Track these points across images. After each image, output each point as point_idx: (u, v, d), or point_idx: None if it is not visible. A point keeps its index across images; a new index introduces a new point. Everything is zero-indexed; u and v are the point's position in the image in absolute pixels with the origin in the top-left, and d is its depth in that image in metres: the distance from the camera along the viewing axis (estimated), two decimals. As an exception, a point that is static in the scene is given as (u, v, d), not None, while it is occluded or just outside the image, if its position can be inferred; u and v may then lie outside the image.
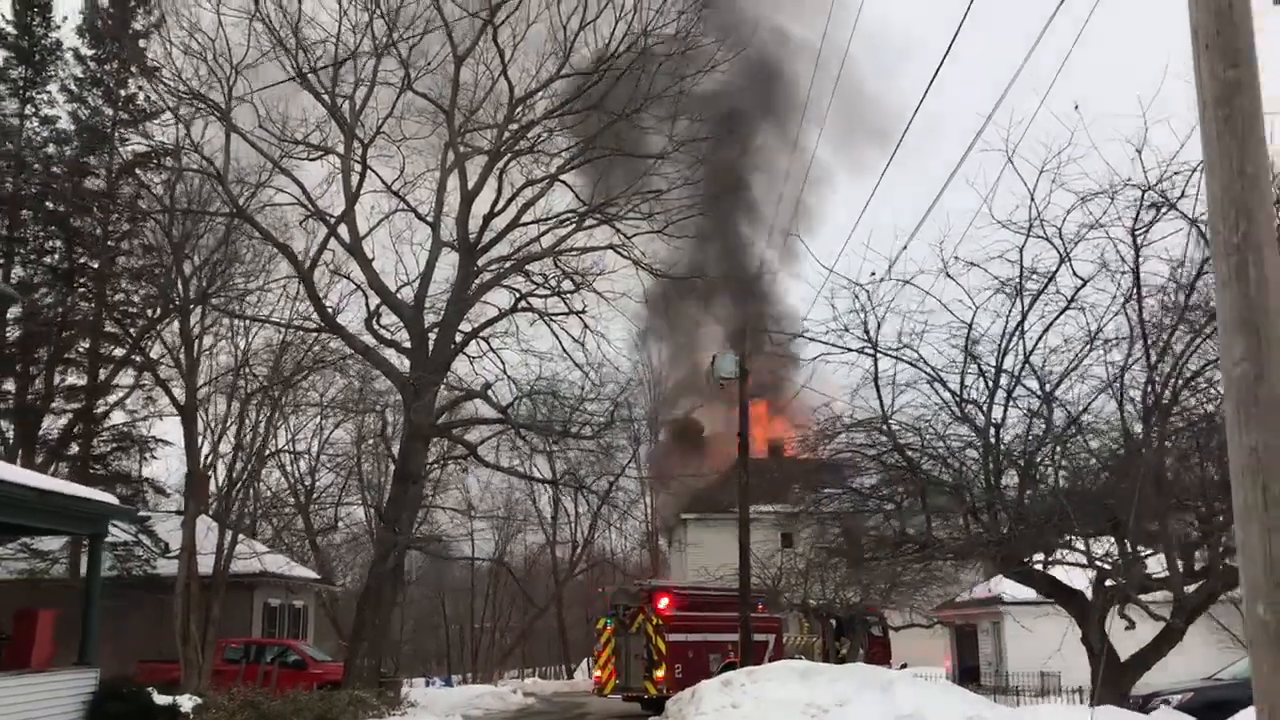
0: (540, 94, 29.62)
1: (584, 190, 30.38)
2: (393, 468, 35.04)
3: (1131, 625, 14.02)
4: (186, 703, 17.96)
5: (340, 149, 28.81)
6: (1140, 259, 13.57)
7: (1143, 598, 13.93)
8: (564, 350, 29.82)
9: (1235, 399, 5.09)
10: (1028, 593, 20.93)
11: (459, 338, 29.87)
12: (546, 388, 30.28)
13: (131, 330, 29.75)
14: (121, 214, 30.24)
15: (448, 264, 30.58)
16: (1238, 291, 5.13)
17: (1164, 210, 13.08)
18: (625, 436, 37.77)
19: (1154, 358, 13.77)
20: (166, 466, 49.86)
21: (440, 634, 58.06)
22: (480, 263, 30.02)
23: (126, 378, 31.12)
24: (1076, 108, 12.45)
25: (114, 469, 31.63)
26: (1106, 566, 14.26)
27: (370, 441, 42.51)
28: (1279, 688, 4.81)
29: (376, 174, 29.61)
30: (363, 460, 44.40)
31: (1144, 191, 13.08)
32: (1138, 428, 14.04)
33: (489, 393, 29.74)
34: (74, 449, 30.27)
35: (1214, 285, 5.51)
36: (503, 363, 30.28)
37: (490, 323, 30.44)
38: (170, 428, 31.50)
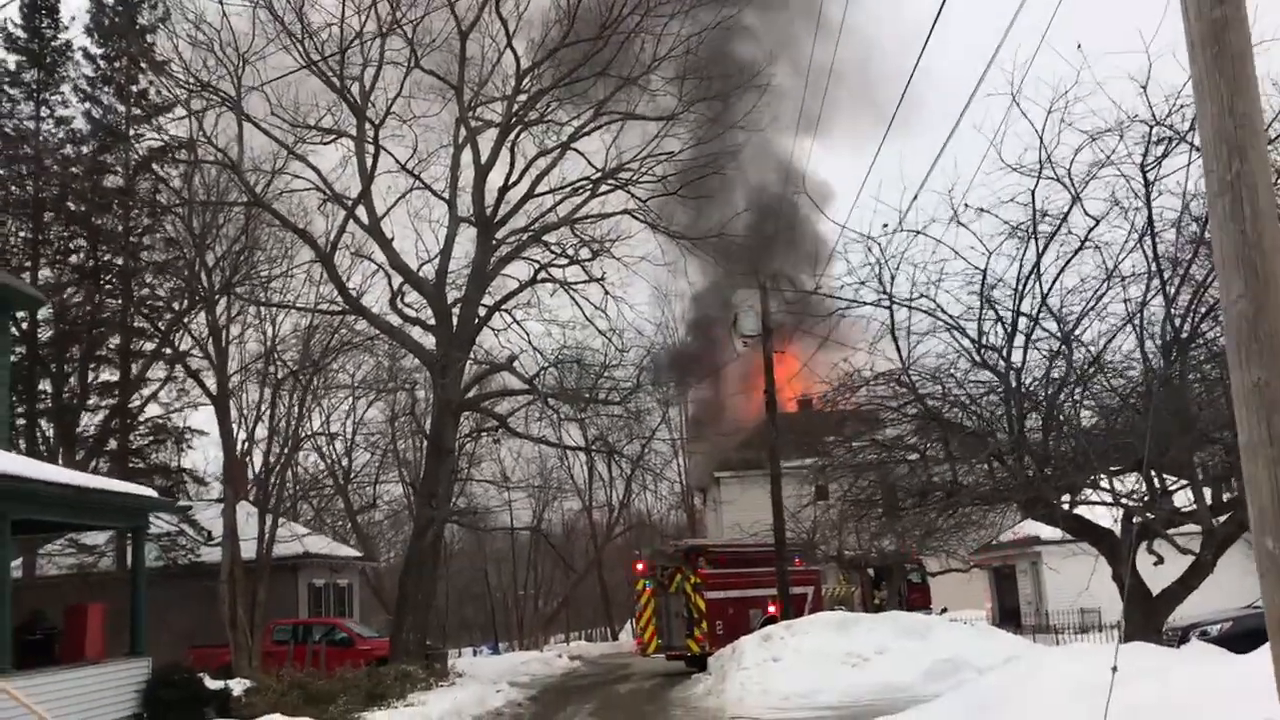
0: (546, 63, 29.57)
1: (597, 156, 30.41)
2: (426, 444, 35.40)
3: (1160, 561, 14.08)
4: (237, 686, 18.42)
5: (353, 131, 28.94)
6: (1153, 193, 13.53)
7: (1171, 532, 13.97)
8: (586, 318, 30.00)
9: (1235, 335, 5.12)
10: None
11: (482, 312, 30.11)
12: (571, 356, 30.51)
13: (160, 324, 30.10)
14: (142, 209, 30.54)
15: (466, 239, 30.81)
16: (1233, 229, 5.14)
17: (1174, 143, 13.00)
18: (655, 399, 38.01)
19: (1172, 291, 13.73)
20: (204, 456, 50.69)
21: (484, 603, 58.68)
22: (498, 236, 30.18)
23: (159, 371, 31.51)
24: (1079, 47, 12.35)
25: (152, 461, 32.10)
26: (1133, 503, 14.29)
27: (402, 419, 42.94)
28: (1291, 618, 4.90)
29: (390, 154, 29.79)
30: (397, 438, 44.84)
31: (1152, 127, 13.01)
32: (1160, 363, 14.03)
33: (515, 364, 29.97)
34: (112, 444, 30.73)
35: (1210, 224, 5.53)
36: (527, 334, 30.55)
37: (511, 295, 30.63)
38: (205, 418, 31.97)
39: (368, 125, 28.76)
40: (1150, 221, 13.59)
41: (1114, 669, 7.87)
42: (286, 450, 29.35)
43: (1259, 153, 5.17)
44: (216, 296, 26.86)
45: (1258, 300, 5.03)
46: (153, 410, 32.23)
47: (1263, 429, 5.01)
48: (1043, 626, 30.92)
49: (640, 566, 29.25)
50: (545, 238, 30.37)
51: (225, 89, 27.53)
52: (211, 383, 27.40)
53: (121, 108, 31.29)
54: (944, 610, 33.66)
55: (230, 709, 17.54)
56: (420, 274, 29.70)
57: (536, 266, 30.46)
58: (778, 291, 26.37)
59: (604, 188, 30.28)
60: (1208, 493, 14.49)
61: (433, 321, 29.57)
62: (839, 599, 33.51)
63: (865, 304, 15.35)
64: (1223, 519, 14.17)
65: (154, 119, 31.33)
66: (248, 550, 26.76)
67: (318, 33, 27.97)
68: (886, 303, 15.14)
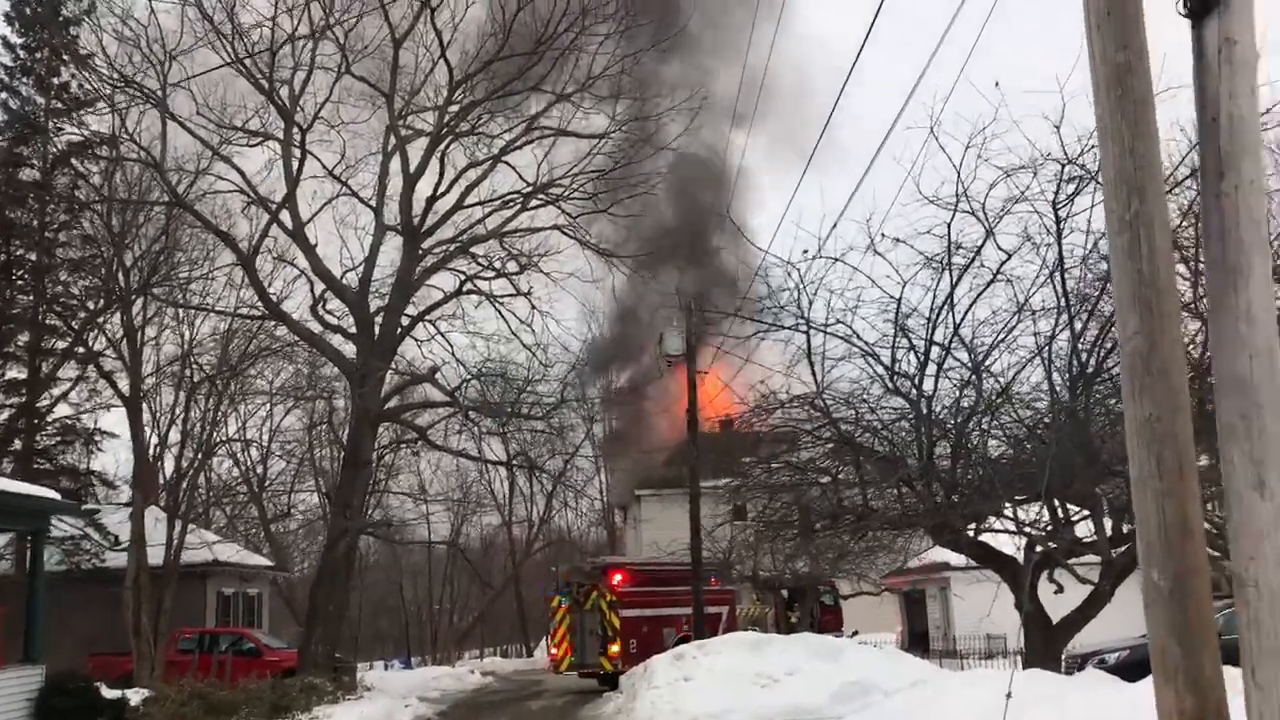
0: (480, 76, 29.49)
1: (528, 171, 30.37)
2: (343, 454, 34.97)
3: (1060, 589, 14.41)
4: (135, 696, 18.00)
5: (280, 135, 28.57)
6: (1063, 230, 13.91)
7: (1072, 562, 14.31)
8: (511, 331, 29.87)
9: (1130, 371, 5.27)
10: (972, 559, 21.44)
11: (405, 322, 29.84)
12: (495, 369, 30.37)
13: (73, 322, 29.38)
14: (59, 205, 29.84)
15: (392, 248, 30.52)
16: (1131, 267, 5.30)
17: (1085, 182, 13.40)
18: (579, 415, 37.99)
19: (1079, 326, 14.11)
20: (115, 459, 49.44)
21: (399, 617, 58.03)
22: (425, 246, 29.96)
23: (70, 371, 30.76)
24: (997, 85, 12.69)
25: (60, 463, 31.30)
26: (1036, 532, 14.62)
27: (320, 428, 42.39)
28: (1174, 649, 5.05)
29: (317, 159, 29.42)
30: (314, 446, 44.24)
31: (1064, 165, 13.40)
32: (1066, 396, 14.39)
33: (437, 376, 29.74)
34: (17, 444, 29.89)
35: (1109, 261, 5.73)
36: (450, 346, 30.32)
37: (436, 306, 30.40)
38: (117, 420, 31.28)
39: (295, 129, 28.40)
40: (1060, 257, 13.99)
41: (1009, 695, 8.05)
42: (200, 455, 28.83)
43: (1157, 193, 5.34)
44: (133, 296, 26.33)
45: (1152, 337, 5.19)
46: (62, 410, 31.48)
47: (1153, 463, 5.16)
48: (950, 651, 31.40)
49: (556, 586, 29.15)
50: (473, 250, 30.23)
51: (150, 86, 27.03)
52: (124, 384, 26.84)
53: (41, 100, 30.57)
54: (855, 633, 34.02)
55: (126, 719, 17.11)
56: (344, 281, 29.36)
57: (463, 278, 30.29)
58: (700, 312, 26.58)
59: (534, 202, 30.25)
60: (1108, 524, 14.87)
61: (354, 330, 29.24)
62: (753, 619, 33.71)
63: (783, 327, 15.58)
64: (1121, 550, 14.55)
65: (75, 113, 30.65)
66: (155, 556, 26.19)
67: (248, 33, 27.60)
68: (804, 327, 15.36)
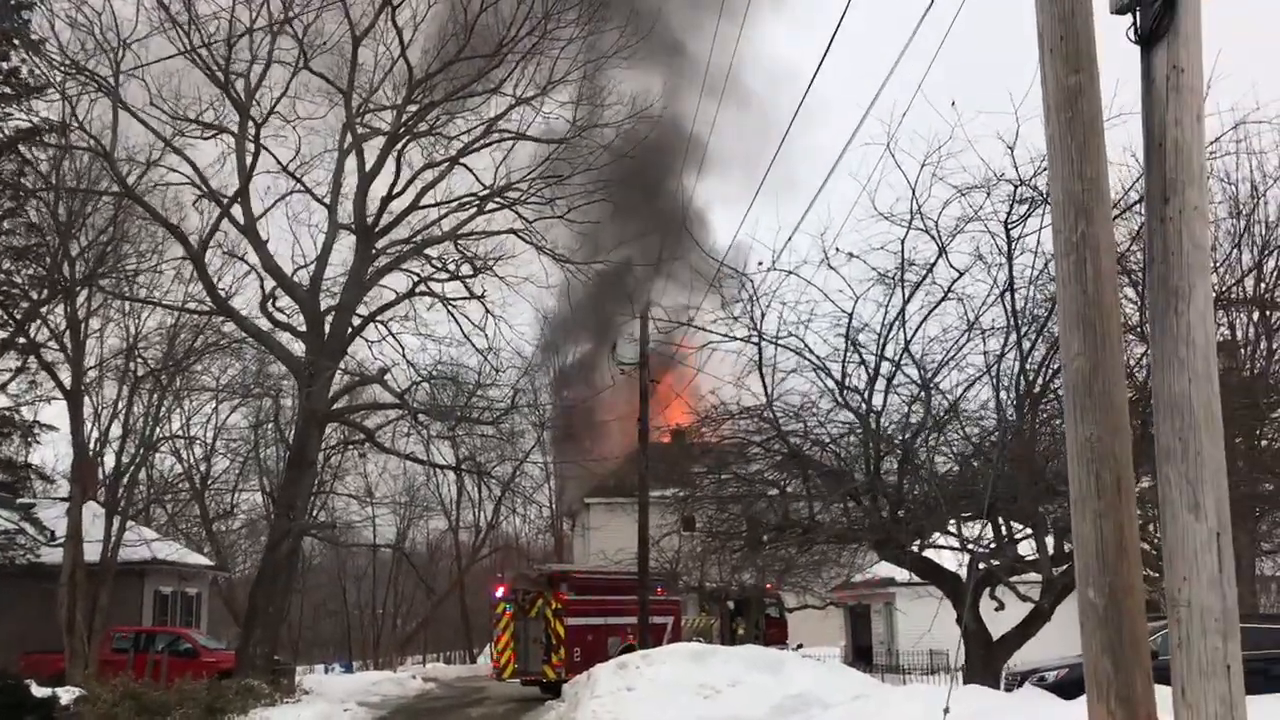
0: (440, 76, 29.32)
1: (486, 174, 30.23)
2: (288, 453, 34.56)
3: (1001, 606, 14.54)
4: (66, 695, 17.65)
5: (234, 128, 28.21)
6: (1014, 250, 14.07)
7: (1014, 580, 14.44)
8: (464, 335, 29.69)
9: (1072, 392, 5.32)
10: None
11: (356, 321, 29.55)
12: (447, 373, 30.16)
13: (15, 312, 28.76)
14: (3, 191, 29.19)
15: (345, 247, 30.22)
16: (1076, 289, 5.36)
17: (1036, 204, 13.56)
18: (529, 422, 37.82)
19: (1028, 346, 14.27)
20: (54, 452, 48.41)
21: (341, 620, 57.41)
22: (378, 246, 29.69)
23: (9, 361, 30.09)
24: (954, 104, 12.83)
25: (-5, 455, 30.60)
26: (979, 549, 14.75)
27: (266, 427, 41.86)
28: (1106, 666, 5.10)
29: (271, 154, 29.06)
30: (259, 445, 43.64)
31: (1017, 186, 13.56)
32: (1013, 414, 14.54)
33: (387, 377, 29.48)
34: (-49, 434, 29.21)
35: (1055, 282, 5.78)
36: (402, 347, 30.04)
37: (388, 306, 30.13)
38: (57, 413, 30.65)
39: (250, 123, 28.05)
40: (1010, 277, 14.15)
41: (946, 710, 8.11)
42: (141, 451, 28.37)
43: (1104, 216, 5.41)
44: (78, 288, 25.87)
45: (1094, 358, 5.24)
46: (0, 401, 30.79)
47: (1091, 483, 5.21)
48: (893, 666, 31.56)
49: (501, 589, 29.00)
50: (427, 251, 29.99)
51: (103, 74, 26.59)
52: (66, 376, 26.35)
53: (-11, 84, 29.94)
54: (799, 646, 34.13)
55: (56, 718, 16.74)
56: (295, 279, 29.03)
57: (416, 279, 30.05)
58: (654, 320, 26.59)
59: (491, 205, 30.12)
60: (1050, 543, 15.03)
61: (304, 328, 28.92)
62: (699, 630, 33.72)
63: (735, 339, 15.61)
64: (1062, 569, 14.71)
65: (24, 99, 30.02)
66: (92, 553, 25.73)
67: (205, 23, 27.25)
68: (756, 339, 15.39)
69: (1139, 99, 5.48)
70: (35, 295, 28.35)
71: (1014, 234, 14.02)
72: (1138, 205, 13.26)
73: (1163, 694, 4.88)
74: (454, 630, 58.51)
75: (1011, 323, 14.31)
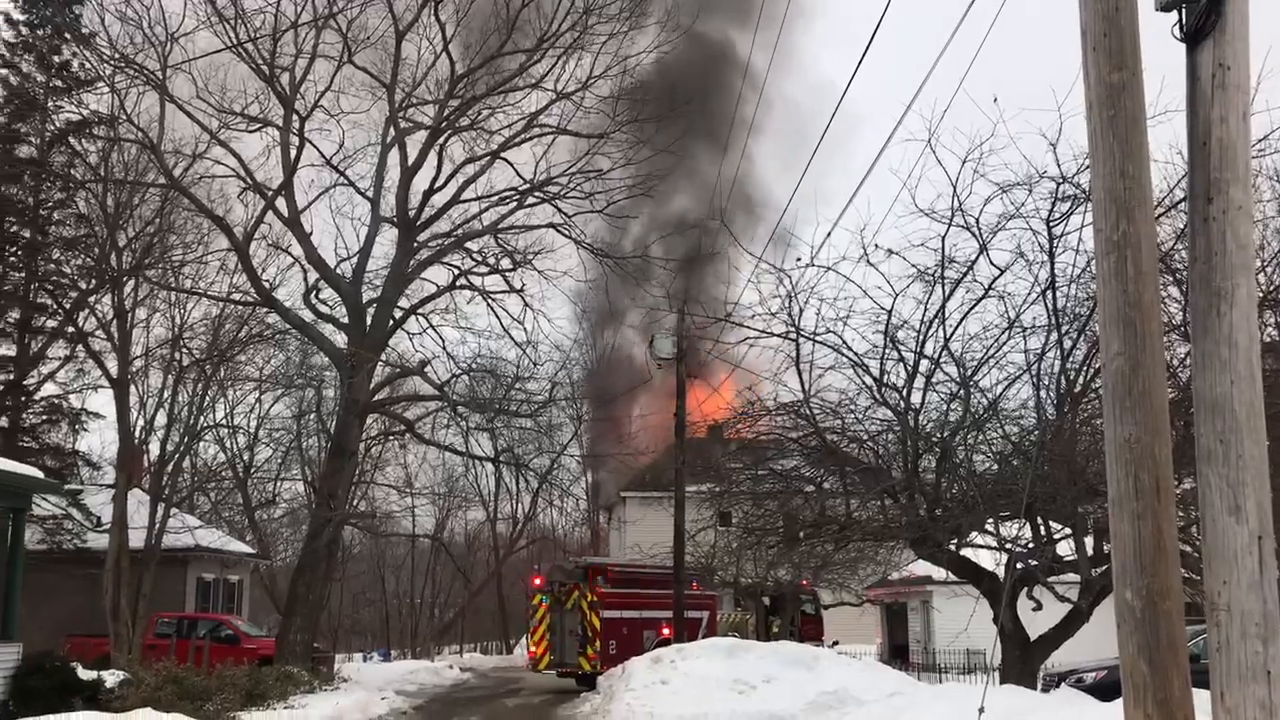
0: (482, 71, 29.47)
1: (526, 168, 30.37)
2: (329, 443, 34.91)
3: (1039, 607, 14.43)
4: (111, 678, 17.90)
5: (279, 121, 28.51)
6: (1056, 248, 13.93)
7: (1052, 580, 14.32)
8: (503, 328, 29.87)
9: (1112, 391, 5.28)
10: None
11: (397, 314, 29.81)
12: (486, 365, 30.35)
13: (64, 301, 29.23)
14: (54, 183, 29.69)
15: (387, 240, 30.53)
16: (1116, 287, 5.31)
17: (1078, 202, 13.41)
18: (567, 415, 37.99)
19: (1069, 345, 14.14)
20: (101, 440, 49.34)
21: (379, 609, 57.88)
22: (420, 239, 29.95)
23: (59, 350, 30.62)
24: (995, 100, 12.70)
25: (45, 441, 31.07)
26: (1017, 549, 14.64)
27: (308, 417, 42.28)
28: (1143, 668, 5.07)
29: (315, 147, 29.41)
30: (301, 435, 44.12)
31: (1059, 184, 13.42)
32: (1053, 414, 14.42)
33: (427, 369, 29.71)
34: (3, 421, 29.74)
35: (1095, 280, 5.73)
36: (441, 340, 30.31)
37: (429, 299, 30.37)
38: (104, 401, 31.13)
39: (295, 116, 28.36)
40: (1052, 275, 14.00)
41: (981, 710, 8.07)
42: (186, 440, 28.72)
43: (1145, 215, 5.36)
44: (125, 278, 26.21)
45: (1134, 358, 5.20)
46: (49, 389, 31.31)
47: (1129, 483, 5.17)
48: (929, 665, 31.38)
49: (537, 581, 29.14)
50: (467, 244, 30.22)
51: (151, 67, 26.95)
52: (113, 365, 26.70)
53: (41, 77, 30.43)
54: (835, 643, 34.03)
55: (101, 701, 17.03)
56: (337, 271, 29.33)
57: (456, 272, 30.26)
58: (691, 316, 26.59)
59: (531, 200, 30.24)
60: (1089, 543, 14.89)
61: (346, 320, 29.21)
62: (734, 625, 33.70)
63: (773, 335, 15.56)
64: (1101, 570, 14.58)
65: (75, 92, 30.50)
66: (137, 539, 26.06)
67: (251, 18, 27.56)
68: (794, 335, 15.35)
69: (1184, 96, 5.43)
70: (84, 285, 28.78)
71: (1056, 231, 13.90)
72: (1182, 204, 13.09)
73: (1201, 698, 4.84)
74: (491, 620, 58.84)
75: (1053, 321, 14.18)
